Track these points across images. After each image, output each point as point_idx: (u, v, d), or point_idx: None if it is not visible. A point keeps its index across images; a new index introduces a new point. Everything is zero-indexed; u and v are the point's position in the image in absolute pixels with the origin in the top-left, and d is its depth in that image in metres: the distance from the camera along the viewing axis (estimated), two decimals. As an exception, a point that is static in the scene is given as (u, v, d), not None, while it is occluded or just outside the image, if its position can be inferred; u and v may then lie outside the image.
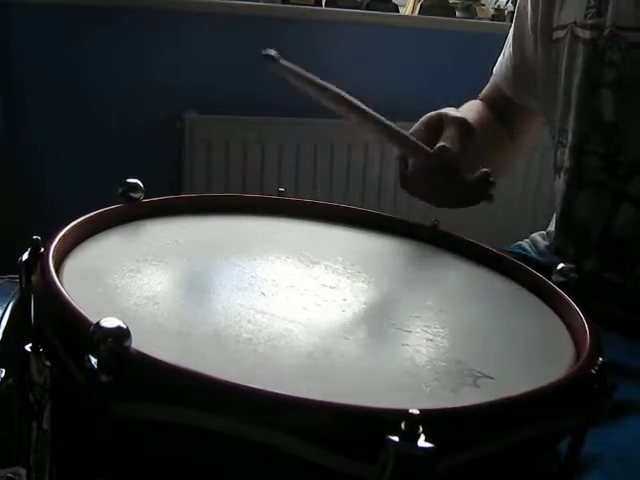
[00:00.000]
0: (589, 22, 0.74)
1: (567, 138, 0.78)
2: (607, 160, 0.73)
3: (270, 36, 1.66)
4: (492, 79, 0.95)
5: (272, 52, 0.53)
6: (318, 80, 0.57)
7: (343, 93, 0.59)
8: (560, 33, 0.79)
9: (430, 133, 0.73)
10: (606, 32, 0.72)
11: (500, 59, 0.94)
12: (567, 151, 0.78)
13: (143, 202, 0.60)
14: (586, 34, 0.74)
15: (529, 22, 0.85)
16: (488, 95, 0.96)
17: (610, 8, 0.72)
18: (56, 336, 0.40)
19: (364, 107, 0.61)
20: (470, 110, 0.89)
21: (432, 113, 0.75)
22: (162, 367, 0.35)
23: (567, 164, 0.78)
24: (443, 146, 0.69)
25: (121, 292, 0.47)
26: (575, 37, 0.76)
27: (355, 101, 0.60)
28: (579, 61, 0.75)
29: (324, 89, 0.58)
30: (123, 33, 1.56)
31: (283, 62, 0.53)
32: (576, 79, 0.75)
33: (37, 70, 1.53)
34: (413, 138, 0.70)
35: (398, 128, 0.66)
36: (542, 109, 0.87)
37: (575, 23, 0.76)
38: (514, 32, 0.90)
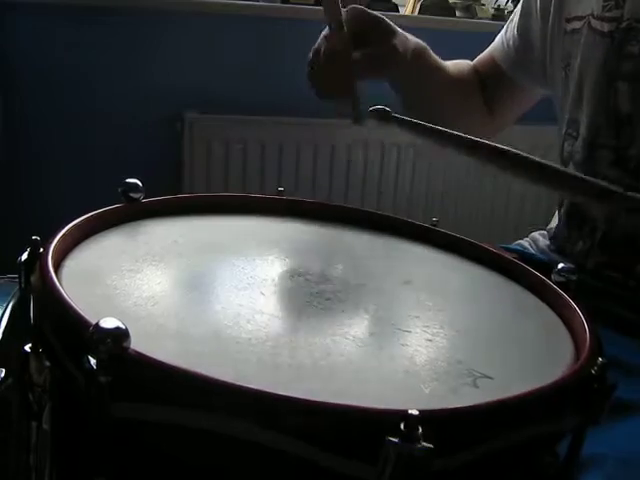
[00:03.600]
0: (607, 14, 0.73)
1: (578, 130, 0.78)
2: (618, 154, 0.73)
3: (270, 36, 1.66)
4: (489, 52, 0.96)
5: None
6: None
7: None
8: (576, 24, 0.78)
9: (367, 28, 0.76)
10: (624, 24, 0.71)
11: (502, 35, 0.94)
12: (579, 144, 0.77)
13: (143, 202, 0.60)
14: (604, 26, 0.73)
15: (538, 9, 0.85)
16: (482, 64, 0.97)
17: (628, 0, 0.71)
18: (55, 336, 0.40)
19: None
20: (454, 65, 0.93)
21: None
22: (161, 367, 0.35)
23: (579, 157, 0.77)
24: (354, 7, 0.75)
25: (120, 292, 0.47)
26: (592, 29, 0.75)
27: None
28: (596, 54, 0.74)
29: None
30: (123, 33, 1.56)
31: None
32: (591, 71, 0.75)
33: (37, 70, 1.53)
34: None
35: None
36: (545, 92, 0.90)
37: (592, 15, 0.75)
38: (521, 16, 0.90)
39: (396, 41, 0.76)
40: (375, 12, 0.79)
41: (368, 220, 0.68)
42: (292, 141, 1.68)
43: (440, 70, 0.90)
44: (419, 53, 0.81)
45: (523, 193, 1.89)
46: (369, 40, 0.75)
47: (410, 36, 0.83)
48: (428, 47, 0.86)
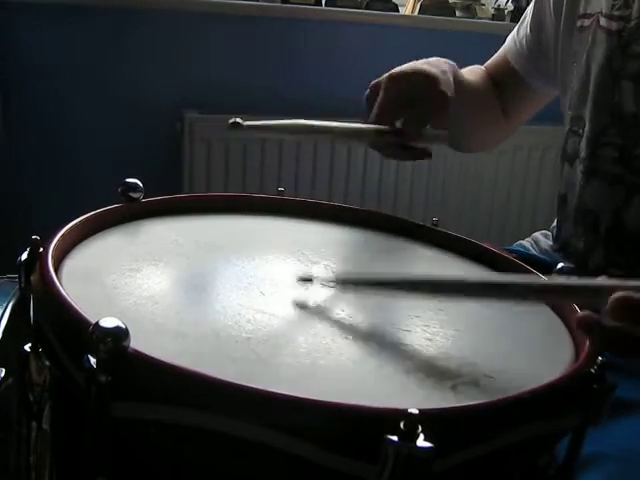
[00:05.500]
0: (616, 13, 0.74)
1: (582, 127, 0.78)
2: (623, 152, 0.73)
3: (270, 36, 1.66)
4: (502, 52, 0.95)
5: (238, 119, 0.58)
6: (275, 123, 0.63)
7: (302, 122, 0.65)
8: (586, 22, 0.78)
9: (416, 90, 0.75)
10: (632, 24, 0.72)
11: (514, 35, 0.94)
12: (584, 140, 0.78)
13: (143, 202, 0.60)
14: (612, 25, 0.74)
15: (551, 6, 0.85)
16: (494, 66, 0.96)
17: (637, 0, 0.72)
18: (55, 336, 0.40)
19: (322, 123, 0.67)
20: (473, 76, 0.91)
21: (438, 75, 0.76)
22: (161, 367, 0.35)
23: (583, 153, 0.78)
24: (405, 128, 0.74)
25: (120, 292, 0.47)
26: (600, 27, 0.75)
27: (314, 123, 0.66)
28: (602, 51, 0.75)
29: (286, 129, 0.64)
30: (123, 33, 1.56)
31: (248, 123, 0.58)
32: (596, 69, 0.75)
33: (37, 70, 1.53)
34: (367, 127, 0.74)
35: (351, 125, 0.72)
36: (558, 92, 0.89)
37: (601, 13, 0.76)
38: (534, 14, 0.90)
39: (442, 87, 0.75)
40: (416, 67, 0.78)
41: (368, 220, 0.68)
42: (292, 141, 1.68)
43: (471, 90, 0.88)
44: (456, 82, 0.79)
45: (523, 193, 1.89)
46: (417, 96, 0.75)
47: (444, 64, 0.81)
48: (456, 65, 0.84)
